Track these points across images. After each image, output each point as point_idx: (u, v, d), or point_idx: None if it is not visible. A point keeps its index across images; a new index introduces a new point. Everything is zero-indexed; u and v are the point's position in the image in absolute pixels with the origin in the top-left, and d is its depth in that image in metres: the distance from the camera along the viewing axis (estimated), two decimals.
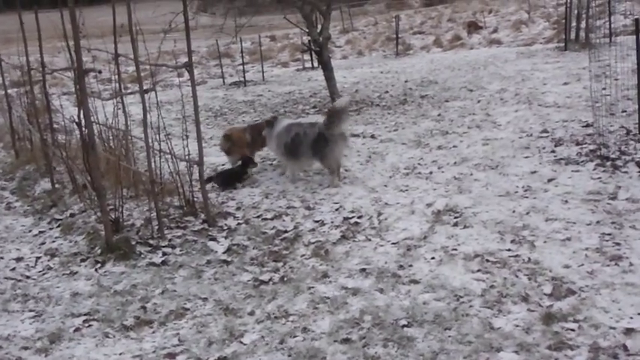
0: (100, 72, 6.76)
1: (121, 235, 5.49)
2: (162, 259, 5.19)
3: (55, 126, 8.23)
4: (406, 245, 5.01)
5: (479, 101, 10.60)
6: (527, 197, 5.73)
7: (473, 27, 24.19)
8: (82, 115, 5.24)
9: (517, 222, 5.17)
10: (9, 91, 9.37)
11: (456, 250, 4.80)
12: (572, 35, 16.03)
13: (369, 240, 5.24)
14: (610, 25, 14.83)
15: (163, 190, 6.38)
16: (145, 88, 5.62)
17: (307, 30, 11.42)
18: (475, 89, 11.80)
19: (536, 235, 4.89)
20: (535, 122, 8.51)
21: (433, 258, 4.72)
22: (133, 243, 5.42)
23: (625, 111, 7.86)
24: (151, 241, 5.51)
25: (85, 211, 6.21)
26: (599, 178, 5.95)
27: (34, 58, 7.63)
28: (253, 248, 5.33)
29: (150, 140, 5.95)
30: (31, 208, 6.91)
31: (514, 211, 5.40)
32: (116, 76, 6.51)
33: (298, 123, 7.55)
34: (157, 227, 5.65)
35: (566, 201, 5.50)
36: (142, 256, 5.25)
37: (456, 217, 5.46)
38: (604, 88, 7.84)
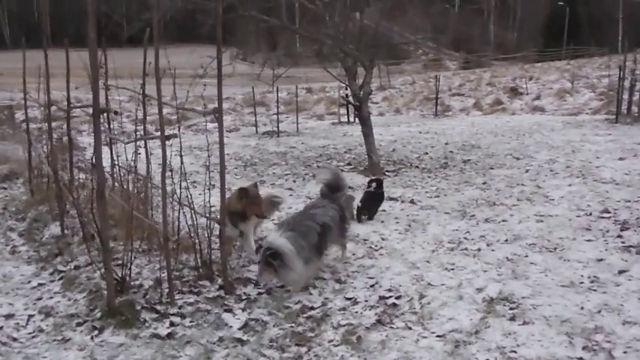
0: (116, 113, 6.22)
1: (125, 298, 4.82)
2: (169, 330, 4.47)
3: (80, 164, 7.75)
4: (454, 340, 4.23)
5: (527, 171, 9.88)
6: (595, 290, 4.93)
7: (515, 92, 23.72)
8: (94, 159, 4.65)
9: (587, 322, 4.37)
10: (38, 126, 8.98)
11: (515, 352, 4.01)
12: (623, 107, 15.37)
13: (410, 329, 4.47)
14: None
15: (179, 247, 5.74)
16: (171, 132, 5.05)
17: (348, 84, 10.89)
18: (522, 157, 11.09)
19: (612, 341, 4.08)
20: (593, 200, 7.73)
21: None
22: (138, 308, 4.73)
23: None
24: (158, 307, 4.81)
25: (91, 264, 5.56)
26: None
27: (62, 94, 7.23)
28: (274, 326, 4.59)
29: (170, 190, 5.37)
30: (36, 254, 6.29)
31: (582, 308, 4.60)
32: (147, 117, 6.02)
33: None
34: (167, 291, 4.97)
35: None
36: (147, 324, 4.55)
37: (512, 309, 4.67)
38: None
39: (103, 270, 4.79)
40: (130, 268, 5.14)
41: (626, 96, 15.28)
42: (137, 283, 5.19)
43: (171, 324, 4.57)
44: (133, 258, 5.20)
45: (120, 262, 5.19)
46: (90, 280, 5.32)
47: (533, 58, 54.90)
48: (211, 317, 4.71)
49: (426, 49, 62.30)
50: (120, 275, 5.02)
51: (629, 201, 7.53)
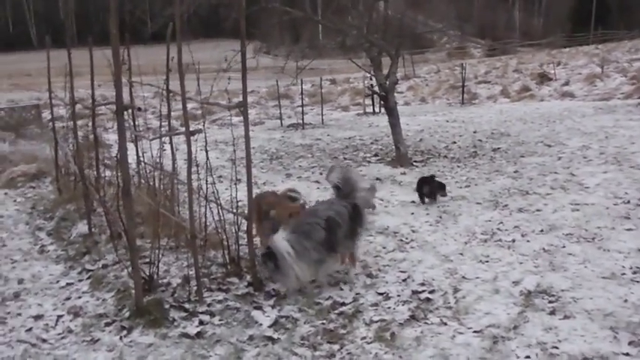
0: (139, 109, 6.15)
1: (153, 297, 4.75)
2: (198, 329, 4.39)
3: (106, 162, 7.72)
4: (492, 336, 4.07)
5: (559, 158, 9.61)
6: (638, 282, 4.72)
7: (543, 78, 23.22)
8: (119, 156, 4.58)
9: (632, 316, 4.17)
10: (65, 124, 8.98)
11: (557, 348, 3.84)
12: None
13: (445, 324, 4.32)
14: None
15: (207, 244, 5.66)
16: (196, 127, 4.95)
17: (373, 74, 10.70)
18: (553, 145, 10.80)
19: None
20: (630, 187, 7.46)
21: (529, 357, 3.76)
22: (167, 306, 4.66)
23: None
24: (187, 305, 4.74)
25: (120, 262, 5.51)
26: None
27: (87, 92, 7.19)
28: (305, 323, 4.48)
29: (196, 185, 5.28)
30: (64, 253, 6.28)
31: (626, 301, 4.40)
32: (172, 113, 5.94)
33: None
34: (195, 288, 4.89)
35: None
36: (175, 324, 4.47)
37: (551, 302, 4.49)
38: None
39: (130, 268, 4.73)
40: (158, 266, 5.08)
41: None
42: (165, 281, 5.12)
43: (201, 322, 4.49)
44: (160, 256, 5.14)
45: (147, 260, 5.14)
46: (118, 279, 5.28)
47: (560, 44, 53.87)
48: (241, 315, 4.62)
49: (451, 37, 61.64)
50: (147, 273, 4.96)
51: None
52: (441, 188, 7.59)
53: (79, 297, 5.10)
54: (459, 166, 9.68)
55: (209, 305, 4.77)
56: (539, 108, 16.75)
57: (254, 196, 5.17)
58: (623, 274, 4.90)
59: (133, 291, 4.67)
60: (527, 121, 14.07)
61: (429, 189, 7.50)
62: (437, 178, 7.82)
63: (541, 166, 9.18)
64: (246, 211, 5.13)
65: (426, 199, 7.50)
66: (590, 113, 14.49)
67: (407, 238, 6.21)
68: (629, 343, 3.82)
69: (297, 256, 4.78)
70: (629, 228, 5.95)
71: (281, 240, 4.83)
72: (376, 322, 4.43)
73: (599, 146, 10.26)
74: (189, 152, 4.66)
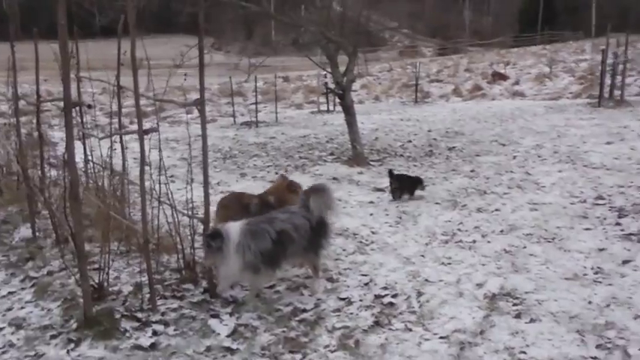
0: (89, 106, 5.83)
1: (103, 306, 4.48)
2: (152, 340, 4.14)
3: (52, 161, 7.32)
4: (458, 341, 3.97)
5: (514, 157, 9.67)
6: (600, 282, 4.71)
7: (498, 77, 23.60)
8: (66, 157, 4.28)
9: (597, 318, 4.14)
10: (7, 121, 8.50)
11: (525, 353, 3.76)
12: (605, 91, 15.26)
13: (410, 330, 4.19)
14: None
15: (159, 248, 5.39)
16: (149, 127, 4.68)
17: (330, 71, 10.55)
18: (507, 144, 10.89)
19: (626, 338, 3.85)
20: (585, 186, 7.54)
21: None
22: (118, 316, 4.39)
23: None
24: (139, 315, 4.47)
25: (66, 269, 5.19)
26: None
27: (31, 88, 6.80)
28: (265, 331, 4.28)
29: (148, 186, 5.01)
30: (5, 259, 5.88)
31: (590, 302, 4.37)
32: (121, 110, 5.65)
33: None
34: (148, 296, 4.63)
35: None
36: (127, 334, 4.21)
37: (516, 305, 4.42)
38: None
39: (78, 276, 4.43)
40: (108, 273, 4.79)
41: (608, 80, 15.14)
42: (115, 289, 4.85)
43: (154, 333, 4.24)
44: (110, 261, 4.85)
45: (96, 266, 4.86)
46: (64, 287, 4.97)
47: (509, 44, 55.03)
48: (197, 324, 4.39)
49: (402, 36, 62.15)
50: (97, 281, 4.67)
51: (623, 186, 7.35)
52: (418, 182, 7.64)
53: (22, 307, 4.75)
54: (415, 165, 9.63)
55: (163, 314, 4.52)
56: (491, 107, 16.94)
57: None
58: (585, 274, 4.88)
59: (81, 300, 4.38)
60: (481, 120, 14.18)
61: (407, 184, 7.58)
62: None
63: (497, 165, 9.21)
64: (201, 213, 4.89)
65: (406, 195, 7.53)
66: (541, 112, 14.71)
67: (367, 240, 6.08)
68: (597, 347, 3.78)
69: (238, 249, 4.50)
70: (588, 227, 5.97)
71: (234, 226, 4.60)
72: (339, 329, 4.28)
73: (552, 145, 10.38)
74: (142, 152, 4.40)
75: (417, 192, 7.57)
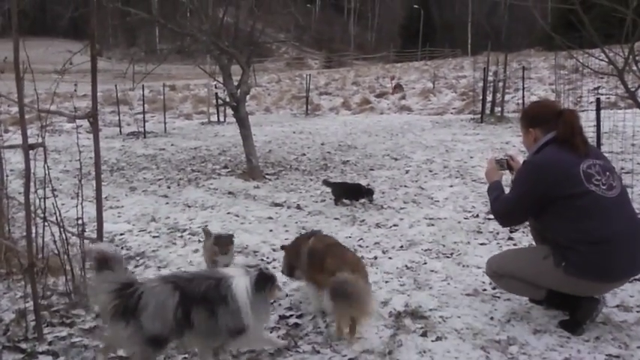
0: None
1: None
2: None
3: None
4: None
5: (407, 172, 9.89)
6: (499, 297, 4.82)
7: (398, 89, 24.42)
8: None
9: (500, 333, 4.22)
10: None
11: None
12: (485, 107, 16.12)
13: (318, 352, 4.07)
14: (523, 100, 14.99)
15: (44, 270, 4.94)
16: (33, 141, 4.27)
17: (223, 82, 10.31)
18: (399, 158, 11.14)
19: (527, 353, 3.94)
20: (476, 201, 7.81)
21: None
22: None
23: None
24: (23, 345, 4.05)
25: None
26: None
27: None
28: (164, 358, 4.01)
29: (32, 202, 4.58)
30: None
31: (492, 318, 4.45)
32: None
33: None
34: (33, 324, 4.21)
35: None
36: None
37: (421, 323, 4.43)
38: None
39: None
40: None
41: (488, 96, 16.01)
42: None
43: None
44: None
45: None
46: None
47: (392, 59, 57.10)
48: (90, 353, 4.03)
49: (290, 47, 62.58)
50: None
51: None
52: (368, 194, 7.79)
53: None
54: (311, 179, 9.60)
55: (50, 343, 4.12)
56: (380, 121, 17.37)
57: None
58: (484, 289, 4.99)
59: None
60: (372, 134, 14.46)
61: (357, 194, 7.79)
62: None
63: (391, 179, 9.37)
64: (92, 234, 4.54)
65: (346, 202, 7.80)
66: (428, 127, 15.24)
67: (268, 258, 5.93)
68: None
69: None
70: (483, 242, 6.15)
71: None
72: (244, 353, 4.08)
73: (442, 160, 10.73)
74: (28, 168, 4.00)
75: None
